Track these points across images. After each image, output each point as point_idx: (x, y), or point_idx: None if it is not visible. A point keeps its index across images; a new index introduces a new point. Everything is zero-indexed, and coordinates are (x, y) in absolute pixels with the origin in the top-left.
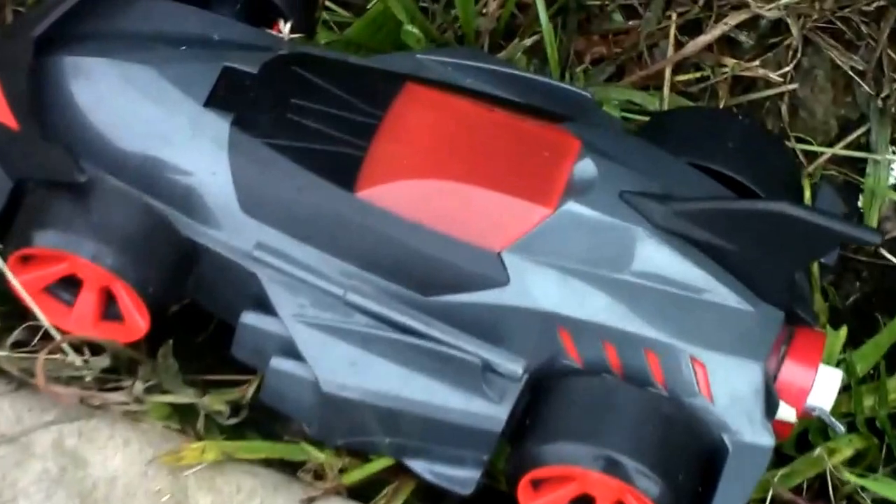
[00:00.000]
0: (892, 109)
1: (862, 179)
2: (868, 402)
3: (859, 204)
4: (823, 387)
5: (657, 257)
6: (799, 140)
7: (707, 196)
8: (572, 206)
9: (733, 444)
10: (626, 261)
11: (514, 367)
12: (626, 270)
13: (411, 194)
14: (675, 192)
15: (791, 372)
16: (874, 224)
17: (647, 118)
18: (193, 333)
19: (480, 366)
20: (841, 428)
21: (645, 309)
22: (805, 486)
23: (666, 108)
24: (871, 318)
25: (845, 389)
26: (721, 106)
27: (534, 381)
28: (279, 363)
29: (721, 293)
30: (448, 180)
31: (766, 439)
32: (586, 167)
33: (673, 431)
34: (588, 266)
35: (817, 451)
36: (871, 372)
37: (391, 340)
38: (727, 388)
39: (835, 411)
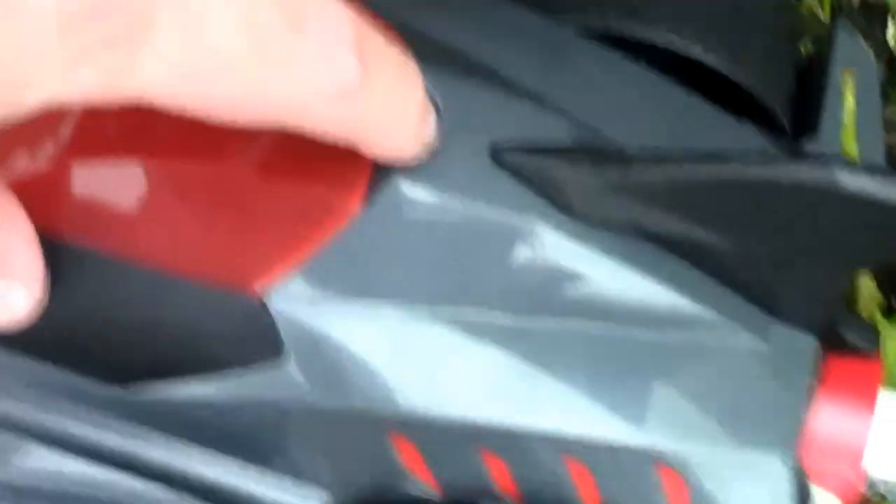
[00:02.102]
0: None
1: None
2: None
3: (888, 36)
4: (886, 438)
5: (578, 274)
6: None
7: (680, 149)
8: (400, 192)
9: None
10: (512, 288)
11: None
12: (513, 307)
13: (74, 194)
14: (604, 136)
15: (828, 422)
16: None
17: None
18: None
19: None
20: None
21: (558, 378)
22: None
23: None
24: None
25: None
26: None
27: None
28: None
29: (707, 322)
30: (150, 159)
31: None
32: None
33: None
34: (439, 304)
35: None
36: None
37: (67, 487)
38: None
39: None
